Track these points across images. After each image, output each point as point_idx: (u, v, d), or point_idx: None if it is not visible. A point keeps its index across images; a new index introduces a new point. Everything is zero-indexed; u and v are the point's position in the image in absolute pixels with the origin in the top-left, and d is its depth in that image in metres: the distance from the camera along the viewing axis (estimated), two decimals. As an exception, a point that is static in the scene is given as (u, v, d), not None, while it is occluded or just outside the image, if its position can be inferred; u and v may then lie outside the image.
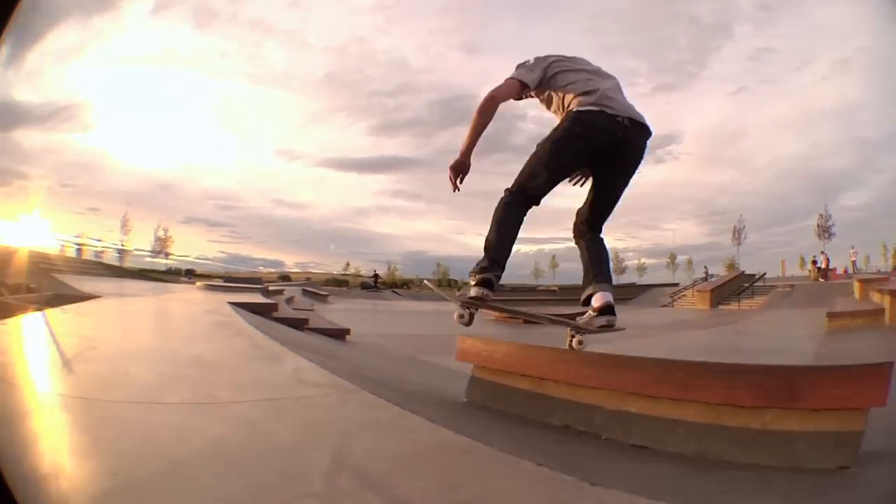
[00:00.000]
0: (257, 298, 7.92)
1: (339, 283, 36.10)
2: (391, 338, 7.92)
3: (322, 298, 17.59)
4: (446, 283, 41.99)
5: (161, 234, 47.17)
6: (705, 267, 32.57)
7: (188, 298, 8.06)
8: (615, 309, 2.18)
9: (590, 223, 2.39)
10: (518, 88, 2.30)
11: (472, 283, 2.11)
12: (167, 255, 46.18)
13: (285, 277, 39.11)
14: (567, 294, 20.23)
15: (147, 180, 67.50)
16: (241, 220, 71.77)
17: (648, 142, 2.28)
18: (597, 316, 2.16)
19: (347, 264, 53.87)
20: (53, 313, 4.36)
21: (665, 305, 20.03)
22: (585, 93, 2.21)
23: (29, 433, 1.42)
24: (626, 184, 2.32)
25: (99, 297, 6.90)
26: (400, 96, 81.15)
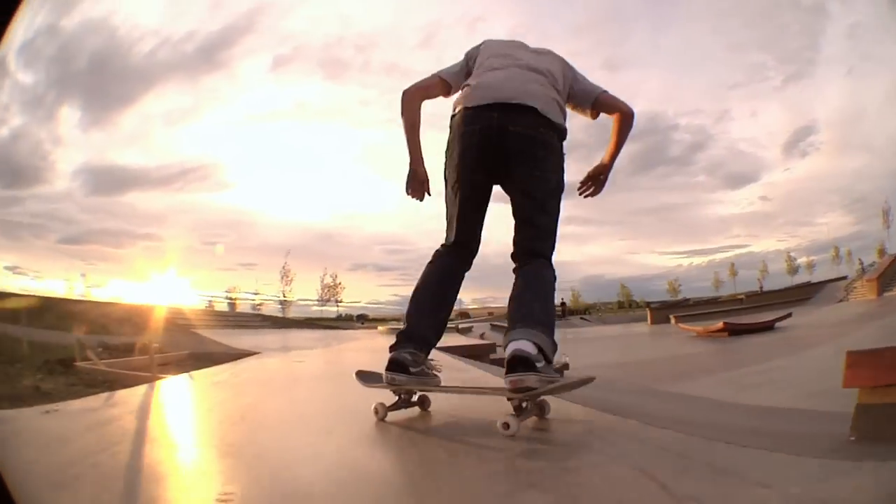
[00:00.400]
0: (462, 340, 7.52)
1: None
2: (609, 368, 7.49)
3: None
4: (627, 305, 43.25)
5: (329, 280, 43.48)
6: (859, 258, 31.61)
7: (374, 346, 6.90)
8: (539, 358, 1.53)
9: (515, 251, 1.91)
10: (439, 86, 2.03)
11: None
12: (338, 302, 42.89)
13: (464, 314, 38.45)
14: (755, 301, 22.15)
15: (304, 232, 66.13)
16: (411, 262, 68.60)
17: (543, 128, 1.82)
18: (505, 374, 1.54)
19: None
20: (194, 377, 3.77)
21: (841, 300, 20.63)
22: (465, 91, 1.96)
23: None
24: (527, 182, 1.84)
25: (256, 353, 6.36)
26: None
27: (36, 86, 31.34)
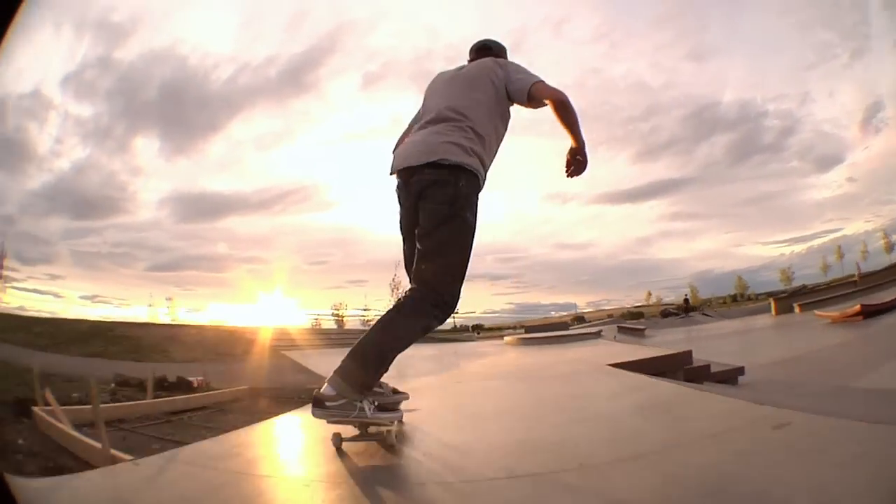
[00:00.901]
0: (636, 351, 6.10)
1: (634, 316, 34.14)
2: (769, 367, 7.21)
3: (639, 333, 17.14)
4: (742, 298, 40.80)
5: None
6: None
7: (514, 362, 6.46)
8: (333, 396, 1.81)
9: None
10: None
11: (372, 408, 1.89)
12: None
13: (580, 318, 37.11)
14: (869, 281, 20.74)
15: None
16: (524, 269, 68.64)
17: (429, 177, 2.01)
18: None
19: (649, 294, 47.46)
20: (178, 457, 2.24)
21: None
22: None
23: None
24: (422, 230, 2.03)
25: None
26: (651, 118, 75.63)
27: (97, 118, 31.19)
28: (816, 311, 13.37)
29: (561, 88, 2.15)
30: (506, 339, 11.44)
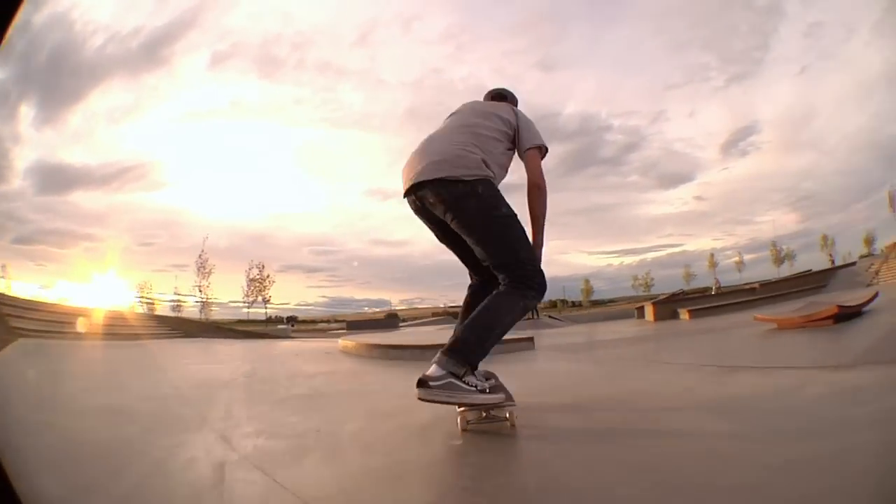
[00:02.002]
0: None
1: (453, 315, 35.14)
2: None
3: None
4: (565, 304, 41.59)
5: (255, 273, 38.94)
6: (830, 254, 30.98)
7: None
8: (433, 380, 1.96)
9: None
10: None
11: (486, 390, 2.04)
12: (266, 301, 38.52)
13: (393, 315, 36.35)
14: (770, 290, 18.91)
15: (237, 233, 66.79)
16: (340, 263, 71.84)
17: (450, 187, 2.17)
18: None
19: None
20: None
21: (869, 285, 18.53)
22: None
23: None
24: (466, 234, 2.25)
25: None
26: None
27: (5, 82, 30.54)
28: (759, 316, 9.47)
29: (543, 176, 2.39)
30: (341, 341, 8.22)
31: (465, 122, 2.39)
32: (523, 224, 2.27)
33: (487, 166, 2.23)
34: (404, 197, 2.34)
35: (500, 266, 2.18)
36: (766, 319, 9.11)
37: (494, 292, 2.15)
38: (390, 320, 18.37)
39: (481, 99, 2.78)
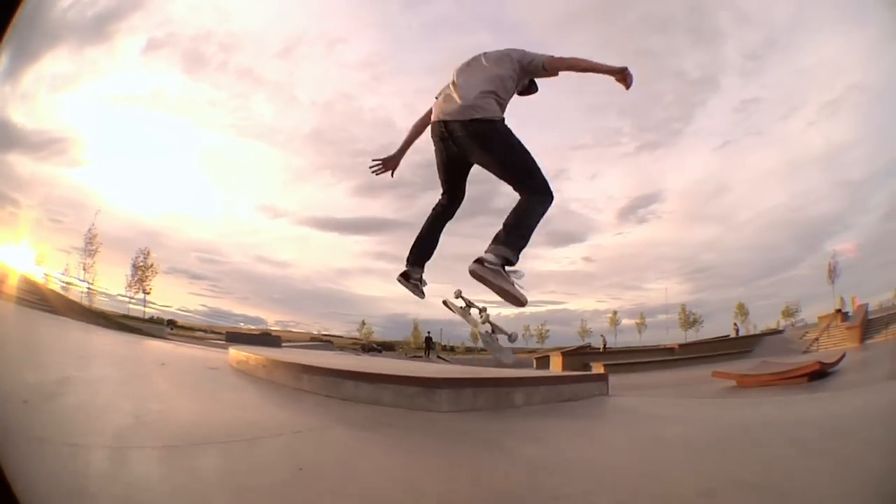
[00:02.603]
0: None
1: (323, 341, 35.20)
2: None
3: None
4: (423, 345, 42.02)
5: (140, 261, 37.17)
6: (735, 323, 31.87)
7: None
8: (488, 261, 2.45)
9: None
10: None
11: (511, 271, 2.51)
12: (146, 292, 36.57)
13: (267, 334, 34.98)
14: (687, 352, 17.03)
15: (133, 226, 63.65)
16: (223, 274, 67.90)
17: (480, 125, 2.63)
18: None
19: (363, 323, 50.35)
20: None
21: (806, 352, 17.01)
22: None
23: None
24: (494, 166, 2.70)
25: None
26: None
27: None
28: (718, 372, 7.81)
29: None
30: (235, 352, 4.74)
31: (485, 65, 2.84)
32: None
33: (502, 108, 2.76)
34: (432, 125, 2.82)
35: (522, 180, 2.61)
36: (725, 376, 7.70)
37: (523, 198, 2.57)
38: (271, 339, 15.81)
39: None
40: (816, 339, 18.98)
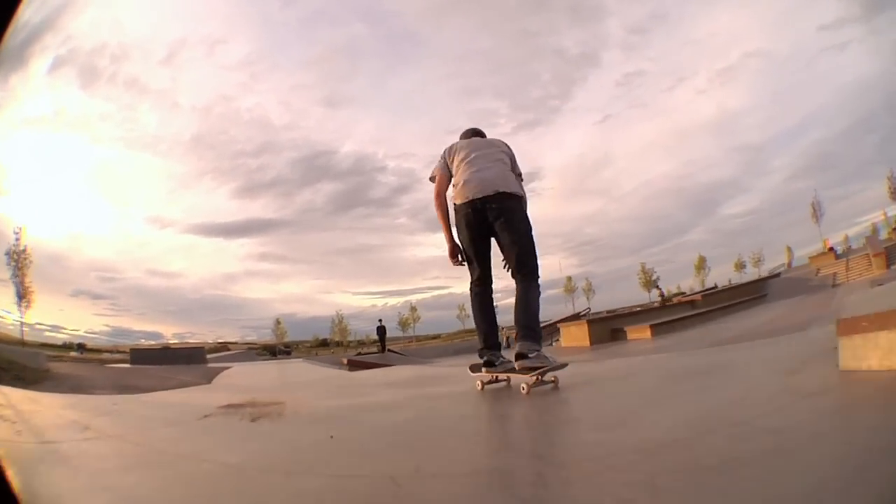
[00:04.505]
0: None
1: (218, 350, 33.84)
2: None
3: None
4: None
5: (13, 244, 30.59)
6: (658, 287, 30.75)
7: None
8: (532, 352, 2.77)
9: (512, 273, 3.05)
10: (445, 177, 3.34)
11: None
12: (25, 291, 29.74)
13: (166, 348, 33.19)
14: (712, 303, 16.08)
15: (36, 249, 60.87)
16: (120, 291, 68.01)
17: (512, 199, 3.07)
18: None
19: (279, 322, 50.62)
20: None
21: (835, 285, 16.45)
22: (460, 184, 3.17)
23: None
24: (509, 233, 3.01)
25: None
26: (262, 156, 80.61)
27: None
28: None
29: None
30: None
31: (498, 156, 3.25)
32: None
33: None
34: (467, 203, 3.08)
35: (523, 261, 2.97)
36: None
37: (522, 288, 2.96)
38: (193, 353, 12.02)
39: (457, 138, 3.61)
40: (835, 274, 18.77)
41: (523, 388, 2.63)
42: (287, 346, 44.25)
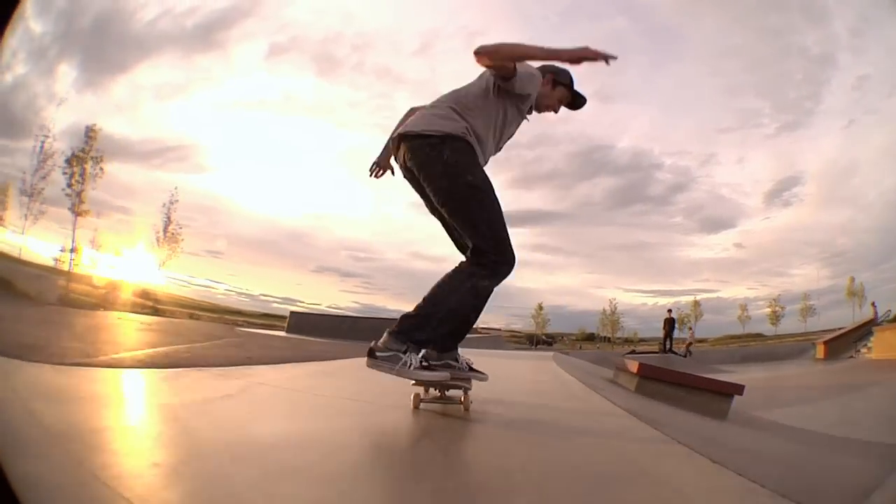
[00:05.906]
0: None
1: None
2: None
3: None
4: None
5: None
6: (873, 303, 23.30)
7: None
8: (378, 351, 2.04)
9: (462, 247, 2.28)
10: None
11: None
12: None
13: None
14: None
15: (273, 227, 66.41)
16: (376, 271, 71.70)
17: (419, 144, 2.10)
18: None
19: (540, 306, 47.67)
20: None
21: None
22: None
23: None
24: (436, 200, 2.14)
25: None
26: (538, 148, 79.42)
27: (43, 36, 29.62)
28: None
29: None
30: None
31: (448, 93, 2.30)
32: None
33: (462, 118, 2.13)
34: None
35: (464, 241, 2.16)
36: None
37: (453, 270, 2.13)
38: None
39: None
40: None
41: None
42: (550, 336, 42.67)
